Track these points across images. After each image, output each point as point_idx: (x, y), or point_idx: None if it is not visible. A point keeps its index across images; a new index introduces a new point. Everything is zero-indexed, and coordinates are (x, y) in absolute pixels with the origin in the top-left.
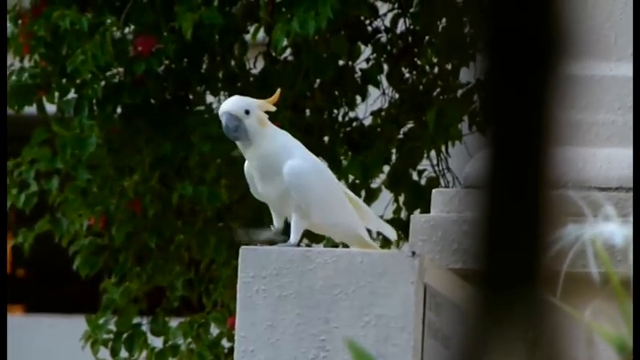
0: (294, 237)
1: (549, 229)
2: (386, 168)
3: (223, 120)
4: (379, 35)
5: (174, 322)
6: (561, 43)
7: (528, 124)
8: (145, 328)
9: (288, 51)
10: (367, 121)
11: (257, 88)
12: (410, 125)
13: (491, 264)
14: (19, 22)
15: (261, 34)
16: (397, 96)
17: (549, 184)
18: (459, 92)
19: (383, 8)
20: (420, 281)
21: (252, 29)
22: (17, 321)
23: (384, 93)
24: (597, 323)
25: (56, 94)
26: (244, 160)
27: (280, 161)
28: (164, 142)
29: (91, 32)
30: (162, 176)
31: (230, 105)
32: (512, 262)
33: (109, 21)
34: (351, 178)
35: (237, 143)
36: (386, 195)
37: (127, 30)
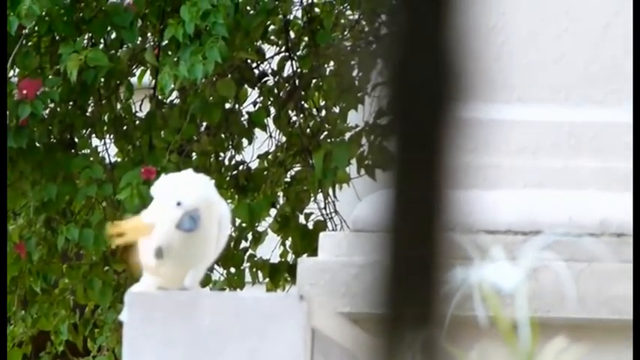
0: (192, 282)
1: (441, 272)
2: (273, 211)
3: (190, 218)
4: (266, 78)
5: None
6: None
7: (423, 165)
8: None
9: (175, 94)
10: (254, 165)
11: (143, 132)
12: (297, 168)
13: (384, 307)
14: None
15: (147, 77)
16: (284, 139)
17: (441, 226)
18: (347, 135)
19: (270, 51)
20: (308, 325)
21: (138, 72)
22: None
23: (270, 136)
24: None
25: None
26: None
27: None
28: (49, 185)
29: None
30: (47, 220)
31: (199, 200)
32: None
33: None
34: (237, 221)
35: (182, 234)
36: (273, 238)
37: (11, 73)
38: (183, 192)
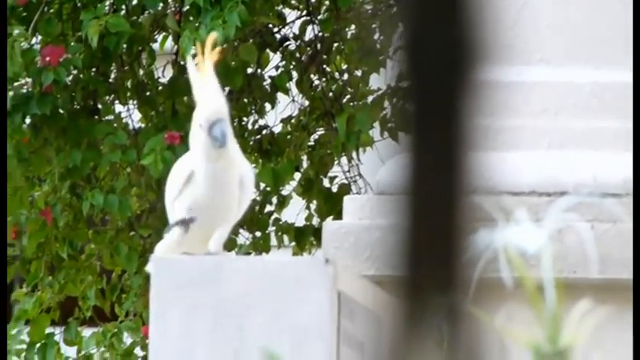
0: (217, 246)
1: (464, 235)
2: (297, 175)
3: (218, 127)
4: (288, 42)
5: (87, 332)
6: (472, 48)
7: (442, 129)
8: (58, 337)
9: None
10: (277, 129)
11: (166, 97)
12: (320, 132)
13: (407, 271)
14: None
15: (169, 42)
16: (307, 103)
17: (463, 189)
18: (370, 98)
19: (291, 15)
20: (334, 288)
21: (160, 38)
22: None
23: (293, 100)
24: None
25: None
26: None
27: (237, 173)
28: (73, 151)
29: None
30: (72, 186)
31: (222, 112)
32: (428, 269)
33: (17, 32)
34: (262, 185)
35: (211, 150)
36: (298, 202)
37: (34, 40)
38: (200, 114)
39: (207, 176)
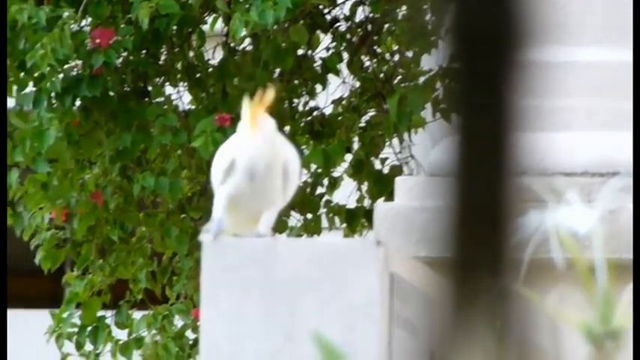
0: (265, 228)
1: (513, 217)
2: (348, 157)
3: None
4: (338, 24)
5: (138, 315)
6: (521, 29)
7: (492, 111)
8: (109, 320)
9: (247, 41)
10: (328, 110)
11: (216, 79)
12: (371, 113)
13: (457, 253)
14: None
15: (219, 24)
16: (358, 84)
17: (513, 171)
18: (421, 79)
19: None
20: (386, 270)
21: (210, 20)
22: None
23: (344, 81)
24: (562, 309)
25: (14, 87)
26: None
27: (279, 158)
28: (124, 134)
29: (49, 26)
30: (122, 168)
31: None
32: (478, 250)
33: (66, 14)
34: (313, 167)
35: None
36: (349, 183)
37: (84, 22)
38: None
39: (247, 161)
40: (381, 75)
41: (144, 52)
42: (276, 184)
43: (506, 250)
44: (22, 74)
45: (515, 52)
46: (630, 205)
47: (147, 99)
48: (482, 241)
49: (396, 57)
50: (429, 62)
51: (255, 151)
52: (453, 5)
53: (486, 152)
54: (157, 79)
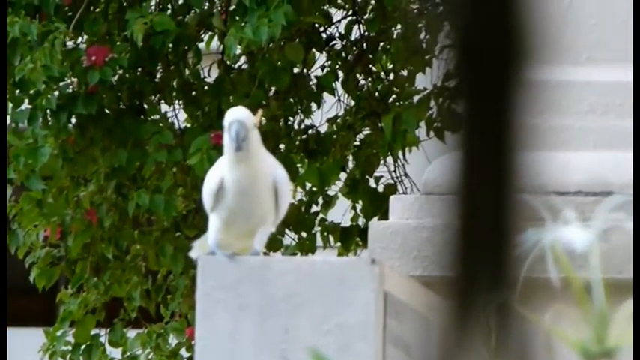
0: (259, 246)
1: (513, 234)
2: (343, 175)
3: (233, 128)
4: (334, 42)
5: (132, 333)
6: (522, 47)
7: (492, 129)
8: (103, 339)
9: (243, 59)
10: (323, 129)
11: (212, 97)
12: (366, 132)
13: (455, 271)
14: None
15: (215, 42)
16: (353, 103)
17: (512, 188)
18: (416, 98)
19: (337, 15)
20: (380, 288)
21: (206, 37)
22: None
23: (339, 100)
24: (558, 327)
25: (10, 105)
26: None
27: (268, 178)
28: (119, 151)
29: (41, 41)
30: (118, 186)
31: (241, 114)
32: (476, 269)
33: (59, 29)
34: (308, 185)
35: (232, 155)
36: (343, 202)
37: (80, 40)
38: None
39: (234, 183)
40: (376, 93)
41: (139, 69)
42: (265, 204)
43: (505, 268)
44: (17, 91)
45: (516, 71)
46: (625, 225)
47: (142, 116)
48: (480, 259)
49: (391, 75)
50: (424, 81)
51: (244, 171)
52: (454, 24)
53: (486, 169)
54: (153, 97)
